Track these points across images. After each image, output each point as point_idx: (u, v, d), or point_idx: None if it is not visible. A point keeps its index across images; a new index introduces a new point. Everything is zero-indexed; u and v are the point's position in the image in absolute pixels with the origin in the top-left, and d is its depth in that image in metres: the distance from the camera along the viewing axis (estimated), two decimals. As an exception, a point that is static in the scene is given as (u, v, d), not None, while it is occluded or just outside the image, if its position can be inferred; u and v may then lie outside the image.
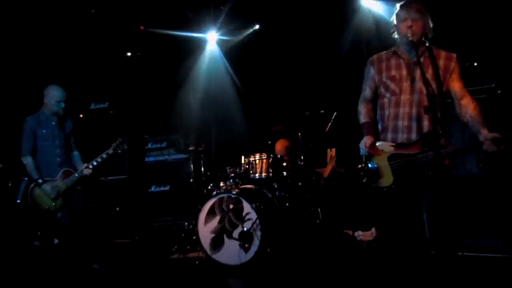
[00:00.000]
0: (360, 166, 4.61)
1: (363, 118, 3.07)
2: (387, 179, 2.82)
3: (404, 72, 2.86)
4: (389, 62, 2.96)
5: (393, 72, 2.91)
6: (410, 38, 2.75)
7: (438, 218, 2.66)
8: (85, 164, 4.34)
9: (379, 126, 3.04)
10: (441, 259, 2.65)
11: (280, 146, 5.11)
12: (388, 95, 2.91)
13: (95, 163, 4.31)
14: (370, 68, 3.05)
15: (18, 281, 3.91)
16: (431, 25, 2.74)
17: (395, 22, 2.85)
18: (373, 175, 2.90)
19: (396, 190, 2.77)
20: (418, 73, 2.73)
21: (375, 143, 2.93)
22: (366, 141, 2.94)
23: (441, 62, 2.79)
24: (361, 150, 2.97)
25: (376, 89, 3.03)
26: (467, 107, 2.74)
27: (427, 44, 2.81)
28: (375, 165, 2.90)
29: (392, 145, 2.87)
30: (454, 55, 2.82)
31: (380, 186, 2.85)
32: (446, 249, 2.67)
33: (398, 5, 2.86)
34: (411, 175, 2.72)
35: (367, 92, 3.08)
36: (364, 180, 3.00)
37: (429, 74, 2.76)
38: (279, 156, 4.71)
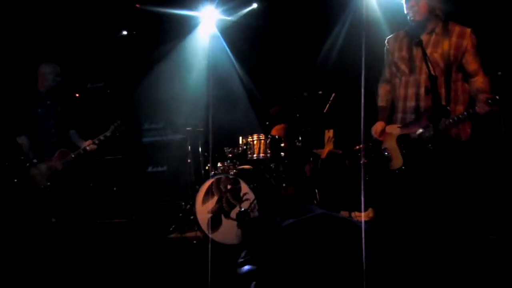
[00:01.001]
0: (357, 147, 4.66)
1: (380, 101, 3.15)
2: (397, 162, 2.87)
3: (414, 52, 2.88)
4: (402, 42, 2.99)
5: (403, 52, 2.95)
6: (412, 18, 2.74)
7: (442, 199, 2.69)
8: (90, 141, 4.30)
9: (395, 106, 3.07)
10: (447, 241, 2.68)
11: (276, 132, 5.09)
12: (399, 75, 2.97)
13: (98, 140, 4.28)
14: (386, 48, 3.10)
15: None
16: (439, 1, 2.72)
17: (403, 1, 2.86)
18: (384, 160, 2.92)
19: (407, 171, 2.81)
20: (425, 52, 2.69)
21: (385, 129, 2.96)
22: (376, 127, 2.98)
23: (454, 40, 2.77)
24: (372, 131, 3.07)
25: (391, 68, 3.05)
26: (476, 81, 2.78)
27: (441, 20, 2.80)
28: (385, 150, 2.92)
29: (398, 127, 2.90)
30: (468, 30, 2.78)
31: (392, 169, 2.88)
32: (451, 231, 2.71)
33: None
34: (418, 154, 2.77)
35: (386, 72, 3.14)
36: (373, 164, 3.03)
37: (438, 54, 2.76)
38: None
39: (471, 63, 2.77)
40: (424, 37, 2.82)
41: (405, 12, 2.83)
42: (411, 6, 2.77)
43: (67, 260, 3.74)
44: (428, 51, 2.72)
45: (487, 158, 3.86)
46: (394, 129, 2.95)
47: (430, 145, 2.70)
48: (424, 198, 2.74)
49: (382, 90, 3.16)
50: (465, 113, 2.71)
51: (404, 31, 3.01)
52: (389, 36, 3.09)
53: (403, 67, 2.92)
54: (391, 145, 2.94)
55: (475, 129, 2.88)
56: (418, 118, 2.83)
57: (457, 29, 2.80)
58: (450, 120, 2.72)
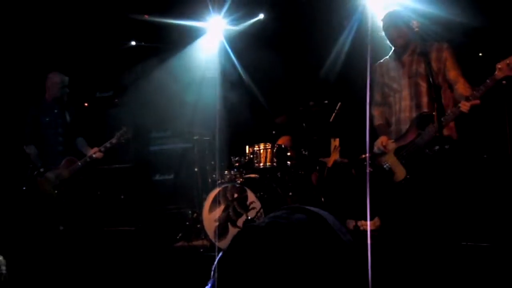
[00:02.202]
0: (363, 156, 4.68)
1: (376, 120, 3.36)
2: (401, 173, 3.02)
3: (401, 71, 3.17)
4: (388, 66, 3.29)
5: (392, 73, 3.23)
6: (396, 45, 3.14)
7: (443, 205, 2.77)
8: (96, 148, 4.35)
9: (392, 123, 3.28)
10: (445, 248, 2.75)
11: (282, 143, 5.11)
12: (392, 93, 3.22)
13: (104, 148, 4.33)
14: (375, 74, 3.36)
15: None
16: (415, 23, 2.90)
17: (382, 33, 3.18)
18: (387, 174, 3.10)
19: (412, 180, 2.96)
20: (411, 70, 3.08)
21: (388, 142, 3.15)
22: (379, 140, 3.18)
23: (434, 55, 3.02)
24: (375, 148, 3.21)
25: (382, 90, 3.32)
26: (459, 88, 2.93)
27: (418, 41, 3.02)
28: (387, 165, 3.03)
29: (393, 142, 3.07)
30: (445, 44, 3.06)
31: (397, 182, 3.00)
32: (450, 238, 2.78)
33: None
34: (419, 161, 2.93)
35: (377, 96, 3.38)
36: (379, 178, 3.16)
37: (422, 68, 3.04)
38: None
39: (450, 70, 2.98)
40: (406, 58, 3.15)
41: (389, 41, 3.16)
42: (393, 36, 3.10)
43: (74, 267, 3.77)
44: (413, 68, 3.07)
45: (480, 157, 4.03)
46: (390, 144, 3.13)
47: (427, 150, 2.88)
48: (431, 203, 2.85)
49: (377, 112, 3.40)
50: (450, 112, 2.84)
51: (387, 58, 3.30)
52: (376, 64, 3.36)
53: (395, 85, 3.19)
54: (390, 160, 3.10)
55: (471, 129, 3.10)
56: (409, 129, 3.03)
57: (435, 45, 3.07)
58: (439, 122, 2.81)
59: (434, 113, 2.86)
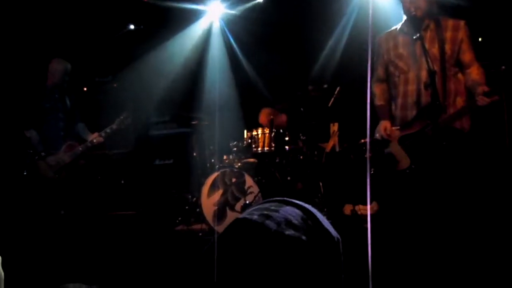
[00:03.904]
0: (362, 140, 4.66)
1: (377, 100, 3.10)
2: (404, 162, 2.86)
3: (411, 49, 2.85)
4: (396, 40, 2.96)
5: (400, 50, 2.92)
6: (413, 13, 2.73)
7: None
8: (96, 133, 4.38)
9: (393, 105, 3.05)
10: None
11: (264, 117, 5.05)
12: (397, 73, 2.93)
13: (105, 133, 4.35)
14: (379, 48, 3.05)
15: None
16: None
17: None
18: (390, 162, 2.93)
19: (417, 170, 2.79)
20: (423, 49, 2.66)
21: (391, 128, 2.94)
22: (382, 126, 2.96)
23: (448, 34, 2.76)
24: (376, 134, 3.02)
25: (387, 67, 3.03)
26: (471, 73, 2.76)
27: (434, 16, 2.80)
28: (390, 152, 2.92)
29: (397, 129, 2.90)
30: (462, 22, 2.78)
31: (400, 170, 2.87)
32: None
33: None
34: (424, 150, 2.75)
35: (379, 72, 3.09)
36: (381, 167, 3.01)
37: (436, 49, 2.76)
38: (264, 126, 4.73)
39: (466, 53, 2.77)
40: (419, 35, 2.76)
41: (405, 7, 2.80)
42: (413, 1, 2.76)
43: (75, 251, 3.82)
44: (426, 47, 2.67)
45: (490, 149, 3.88)
46: (394, 132, 2.95)
47: (436, 141, 2.67)
48: (436, 195, 2.70)
49: (378, 89, 3.11)
50: (466, 106, 2.71)
51: (395, 30, 2.98)
52: (380, 36, 3.06)
53: (401, 64, 2.90)
54: (394, 148, 2.93)
55: (478, 121, 2.90)
56: (417, 117, 2.83)
57: (450, 23, 2.80)
58: (451, 115, 2.73)
59: (445, 102, 2.67)
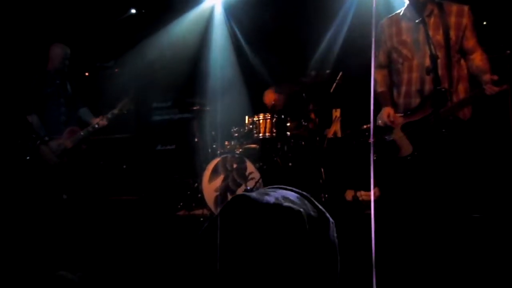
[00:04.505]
0: (365, 126, 4.63)
1: (379, 86, 3.04)
2: (407, 149, 2.82)
3: (415, 35, 2.79)
4: (399, 26, 2.89)
5: (404, 37, 2.86)
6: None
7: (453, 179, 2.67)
8: (100, 117, 4.37)
9: (395, 92, 3.02)
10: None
11: (269, 97, 5.03)
12: (401, 60, 2.88)
13: (110, 116, 4.35)
14: (381, 34, 2.98)
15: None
16: None
17: None
18: (392, 149, 2.90)
19: (419, 157, 2.76)
20: (427, 36, 2.58)
21: (394, 114, 2.91)
22: (385, 113, 2.92)
23: (452, 20, 2.71)
24: (378, 121, 2.96)
25: (389, 53, 2.98)
26: (475, 59, 2.70)
27: (437, 1, 2.74)
28: (392, 139, 2.90)
29: (401, 116, 2.87)
30: (466, 8, 2.72)
31: (402, 157, 2.85)
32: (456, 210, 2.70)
33: None
34: (427, 138, 2.71)
35: (380, 58, 3.03)
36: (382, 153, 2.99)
37: (440, 35, 2.70)
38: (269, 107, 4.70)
39: (469, 39, 2.71)
40: (423, 20, 2.69)
41: None
42: None
43: (78, 235, 3.85)
44: (430, 33, 2.60)
45: (493, 137, 3.84)
46: (397, 119, 2.90)
47: (439, 129, 2.62)
48: (438, 181, 2.67)
49: (379, 76, 3.05)
50: (472, 95, 2.67)
51: (397, 15, 2.92)
52: (382, 21, 2.99)
53: (405, 51, 2.85)
54: (397, 134, 2.89)
55: (480, 108, 2.87)
56: (421, 105, 2.78)
57: (454, 8, 2.73)
58: (453, 105, 2.69)
59: (450, 89, 2.63)
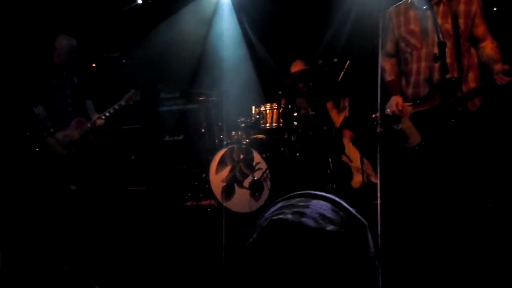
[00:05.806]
0: (374, 115, 4.58)
1: (388, 75, 3.01)
2: (415, 139, 2.80)
3: (423, 24, 2.76)
4: (407, 15, 2.85)
5: (412, 26, 2.83)
6: None
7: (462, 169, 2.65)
8: (97, 115, 4.39)
9: (403, 81, 2.98)
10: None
11: (296, 67, 4.99)
12: (409, 50, 2.85)
13: (107, 114, 4.36)
14: (388, 22, 2.95)
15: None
16: None
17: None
18: (400, 138, 2.88)
19: (428, 146, 2.74)
20: (436, 24, 2.57)
21: (402, 103, 2.89)
22: (394, 101, 2.90)
23: (461, 7, 2.67)
24: (387, 110, 2.95)
25: (397, 42, 2.95)
26: (486, 47, 2.68)
27: None
28: (400, 129, 2.87)
29: (409, 105, 2.84)
30: None
31: (411, 147, 2.83)
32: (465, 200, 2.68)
33: None
34: (437, 128, 2.69)
35: (388, 46, 3.00)
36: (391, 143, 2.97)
37: (449, 24, 2.67)
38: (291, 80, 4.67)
39: (479, 27, 2.68)
40: (431, 9, 2.66)
41: None
42: None
43: (86, 226, 3.88)
44: (439, 22, 2.60)
45: (502, 127, 3.80)
46: (406, 108, 2.88)
47: (449, 119, 2.61)
48: (447, 171, 2.67)
49: (388, 64, 3.02)
50: (482, 86, 2.64)
51: (405, 3, 2.88)
52: (389, 9, 2.95)
53: (414, 40, 2.82)
54: (405, 124, 2.87)
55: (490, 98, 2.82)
56: (430, 94, 2.75)
57: None
58: (462, 95, 2.65)
59: (460, 78, 2.61)
